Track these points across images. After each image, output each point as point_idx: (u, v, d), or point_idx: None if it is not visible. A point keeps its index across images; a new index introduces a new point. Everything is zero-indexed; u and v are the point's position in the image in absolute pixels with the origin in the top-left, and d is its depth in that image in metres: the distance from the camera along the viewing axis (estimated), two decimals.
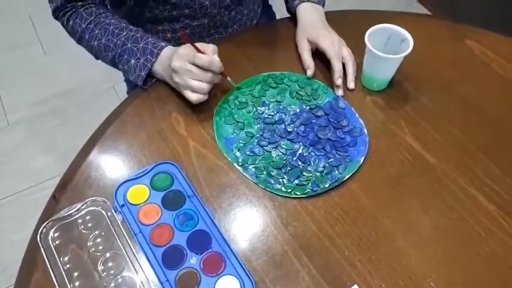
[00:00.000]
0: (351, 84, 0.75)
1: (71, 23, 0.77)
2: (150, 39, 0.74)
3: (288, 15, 0.90)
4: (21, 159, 1.54)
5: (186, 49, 0.69)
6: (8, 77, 1.79)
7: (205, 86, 0.68)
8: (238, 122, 0.72)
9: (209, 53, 0.68)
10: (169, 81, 0.73)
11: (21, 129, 1.63)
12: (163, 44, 0.74)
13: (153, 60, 0.73)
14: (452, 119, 0.73)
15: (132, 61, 0.74)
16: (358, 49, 0.75)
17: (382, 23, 0.73)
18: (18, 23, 2.00)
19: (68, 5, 0.77)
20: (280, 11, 1.08)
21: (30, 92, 1.74)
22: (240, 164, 0.66)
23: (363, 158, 0.67)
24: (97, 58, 0.81)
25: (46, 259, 0.56)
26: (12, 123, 1.64)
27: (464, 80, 0.79)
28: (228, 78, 0.74)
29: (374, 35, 0.72)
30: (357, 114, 0.72)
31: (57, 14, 0.79)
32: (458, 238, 0.60)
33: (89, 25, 0.76)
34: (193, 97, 0.68)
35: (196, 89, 0.67)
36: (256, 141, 0.69)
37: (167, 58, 0.71)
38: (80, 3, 0.77)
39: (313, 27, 0.79)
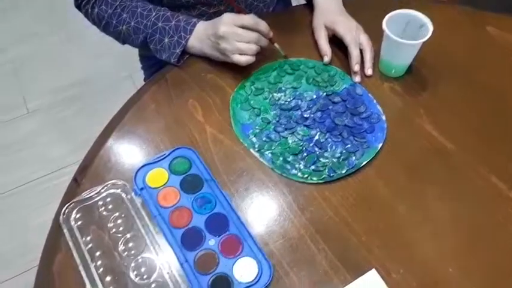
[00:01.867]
0: (369, 71, 0.75)
1: (96, 10, 0.78)
2: (180, 16, 0.75)
3: (303, 1, 0.89)
4: (39, 146, 1.58)
5: (230, 15, 0.71)
6: (27, 65, 1.82)
7: (253, 47, 0.70)
8: (255, 108, 0.72)
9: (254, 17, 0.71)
10: (209, 52, 0.75)
11: (39, 117, 1.66)
12: (195, 20, 0.75)
13: (188, 36, 0.74)
14: (471, 106, 0.72)
15: (166, 40, 0.75)
16: (376, 35, 0.75)
17: (401, 9, 0.72)
18: (38, 11, 2.02)
19: None
20: (295, 1, 1.07)
21: (49, 80, 1.77)
22: (257, 149, 0.67)
23: (380, 145, 0.66)
24: (124, 43, 0.82)
25: (69, 239, 0.57)
26: (31, 110, 1.67)
27: (484, 67, 0.77)
28: (276, 44, 0.76)
29: (392, 21, 0.71)
30: (374, 101, 0.72)
31: (79, 2, 0.79)
32: (477, 225, 0.59)
33: (116, 10, 0.76)
34: (242, 59, 0.70)
35: (244, 50, 0.70)
36: (273, 127, 0.69)
37: (204, 30, 0.74)
38: None
39: (330, 13, 0.79)
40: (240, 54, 0.70)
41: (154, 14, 0.75)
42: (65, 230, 0.58)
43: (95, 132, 0.71)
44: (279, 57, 0.77)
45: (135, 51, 1.09)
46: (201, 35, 0.74)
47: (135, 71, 1.75)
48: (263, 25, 0.71)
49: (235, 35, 0.69)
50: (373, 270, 0.56)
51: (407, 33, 0.73)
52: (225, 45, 0.70)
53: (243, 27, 0.69)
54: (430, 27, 0.69)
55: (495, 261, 0.56)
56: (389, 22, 0.70)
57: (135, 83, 1.74)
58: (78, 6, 0.81)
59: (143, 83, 1.00)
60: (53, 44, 1.90)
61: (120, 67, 1.78)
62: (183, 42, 0.74)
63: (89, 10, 0.78)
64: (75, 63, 1.82)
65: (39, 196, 1.46)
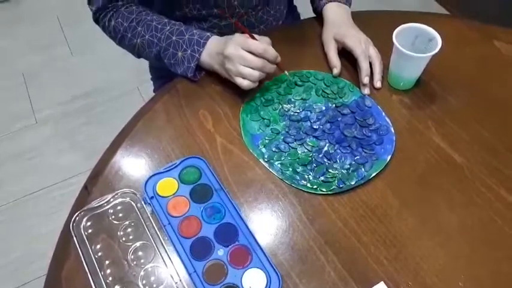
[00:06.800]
0: (378, 83, 0.75)
1: (112, 23, 0.78)
2: (194, 30, 0.76)
3: (312, 16, 0.90)
4: (48, 156, 1.59)
5: (240, 37, 0.70)
6: (36, 77, 1.85)
7: (256, 74, 0.69)
8: (264, 118, 0.72)
9: (263, 43, 0.70)
10: (217, 68, 0.74)
11: (48, 127, 1.67)
12: (208, 34, 0.75)
13: (201, 50, 0.74)
14: (480, 119, 0.72)
15: (179, 53, 0.75)
16: (385, 49, 0.75)
17: (410, 23, 0.73)
18: (47, 24, 2.06)
19: (109, 5, 0.78)
20: (303, 15, 1.09)
21: (58, 91, 1.79)
22: (266, 160, 0.67)
23: (389, 157, 0.67)
24: (139, 56, 0.82)
25: (78, 247, 0.57)
26: (40, 121, 1.69)
27: (492, 80, 0.78)
28: (286, 72, 0.75)
29: (401, 35, 0.72)
30: (383, 113, 0.72)
31: (97, 15, 0.80)
32: (487, 239, 0.59)
33: (131, 23, 0.77)
34: (243, 83, 0.69)
35: (247, 75, 0.69)
36: (282, 137, 0.70)
37: (215, 46, 0.73)
38: (120, 3, 0.78)
39: (340, 26, 0.80)
40: (243, 78, 0.69)
41: (168, 27, 0.76)
42: (75, 238, 0.58)
43: (102, 143, 0.71)
44: (287, 82, 0.77)
45: (141, 65, 1.10)
46: (211, 51, 0.74)
47: (142, 83, 1.79)
48: (270, 53, 0.69)
49: (241, 58, 0.68)
50: (382, 283, 0.55)
51: (417, 46, 0.73)
52: (229, 66, 0.70)
53: (250, 52, 0.69)
54: (439, 41, 0.70)
55: (506, 272, 0.56)
56: (398, 35, 0.71)
57: (142, 94, 1.75)
58: (96, 20, 0.82)
59: (150, 94, 1.01)
60: (62, 56, 1.93)
61: (127, 79, 1.80)
62: (197, 55, 0.74)
63: (106, 23, 0.79)
64: (83, 76, 1.85)
65: (48, 205, 1.46)
